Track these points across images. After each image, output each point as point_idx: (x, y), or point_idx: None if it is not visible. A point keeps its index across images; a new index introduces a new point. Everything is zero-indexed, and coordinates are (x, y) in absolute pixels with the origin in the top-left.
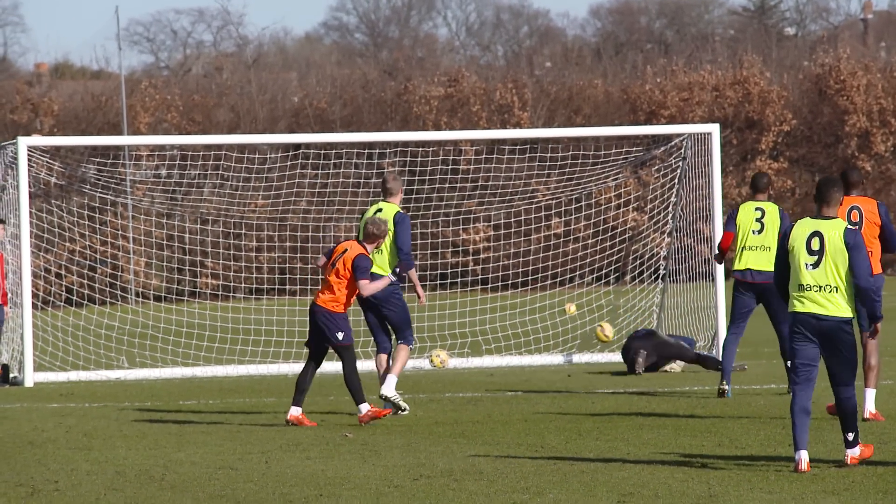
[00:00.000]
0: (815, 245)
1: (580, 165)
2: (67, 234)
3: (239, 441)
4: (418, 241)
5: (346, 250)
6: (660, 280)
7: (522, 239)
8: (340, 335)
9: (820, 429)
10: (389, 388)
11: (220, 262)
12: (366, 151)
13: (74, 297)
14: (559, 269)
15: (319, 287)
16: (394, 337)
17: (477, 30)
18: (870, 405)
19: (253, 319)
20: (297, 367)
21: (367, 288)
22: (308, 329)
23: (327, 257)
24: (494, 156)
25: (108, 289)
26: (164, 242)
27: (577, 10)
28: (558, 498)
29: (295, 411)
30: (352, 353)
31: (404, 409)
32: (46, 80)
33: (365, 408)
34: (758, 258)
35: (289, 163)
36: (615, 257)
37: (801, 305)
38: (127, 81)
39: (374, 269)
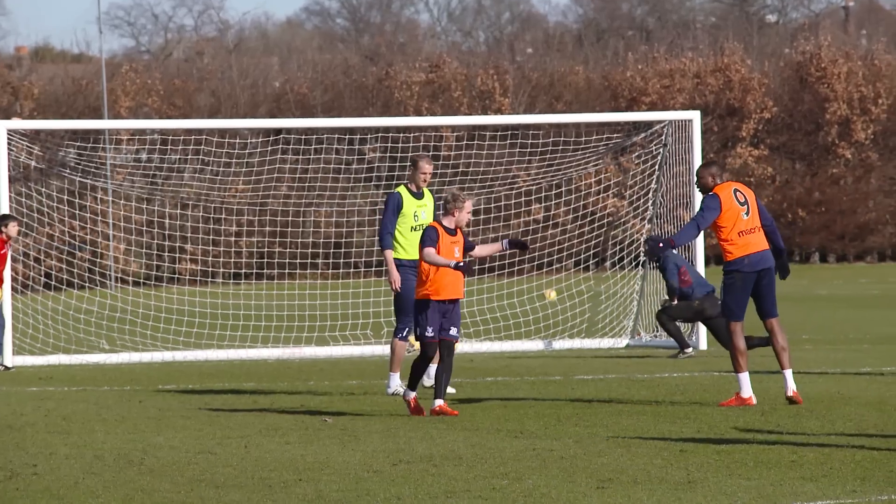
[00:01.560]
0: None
1: (561, 151)
2: (47, 219)
3: (218, 425)
4: None
5: None
6: (640, 266)
7: (502, 224)
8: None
9: (798, 415)
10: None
11: (200, 246)
12: (347, 137)
13: (53, 282)
14: (539, 255)
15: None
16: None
17: (458, 15)
18: (791, 384)
19: (232, 304)
20: (276, 352)
21: (425, 255)
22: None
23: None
24: (475, 142)
25: (87, 273)
26: (144, 227)
27: None
28: (537, 483)
29: (438, 402)
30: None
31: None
32: (27, 63)
33: (439, 402)
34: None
35: (269, 148)
36: (595, 243)
37: None
38: (108, 65)
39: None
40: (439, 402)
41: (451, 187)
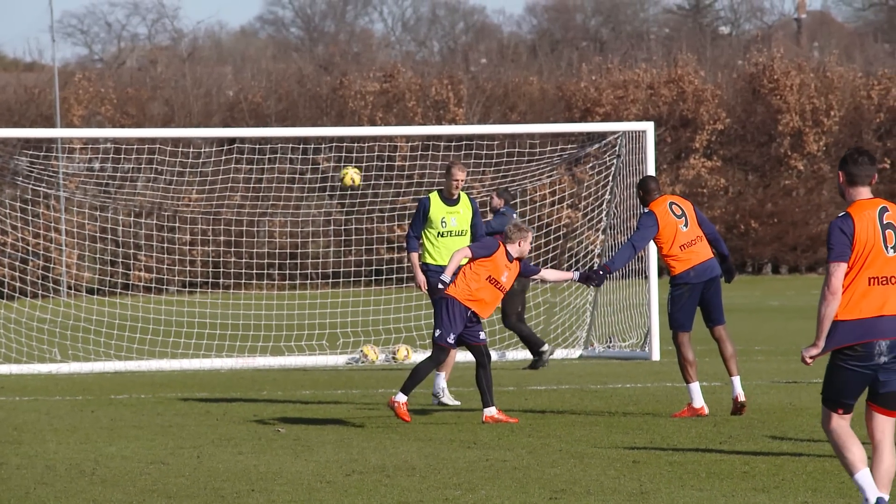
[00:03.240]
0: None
1: (515, 162)
2: None
3: (171, 436)
4: (352, 237)
5: None
6: None
7: None
8: (437, 332)
9: (750, 426)
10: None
11: (154, 255)
12: (301, 146)
13: (6, 290)
14: None
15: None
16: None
17: (413, 25)
18: (739, 390)
19: (186, 313)
20: (229, 362)
21: (459, 249)
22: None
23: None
24: (430, 152)
25: (39, 281)
26: (98, 235)
27: (513, 6)
28: (490, 494)
29: (489, 411)
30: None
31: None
32: None
33: (491, 411)
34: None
35: (223, 157)
36: (550, 255)
37: None
38: (60, 73)
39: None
40: (493, 411)
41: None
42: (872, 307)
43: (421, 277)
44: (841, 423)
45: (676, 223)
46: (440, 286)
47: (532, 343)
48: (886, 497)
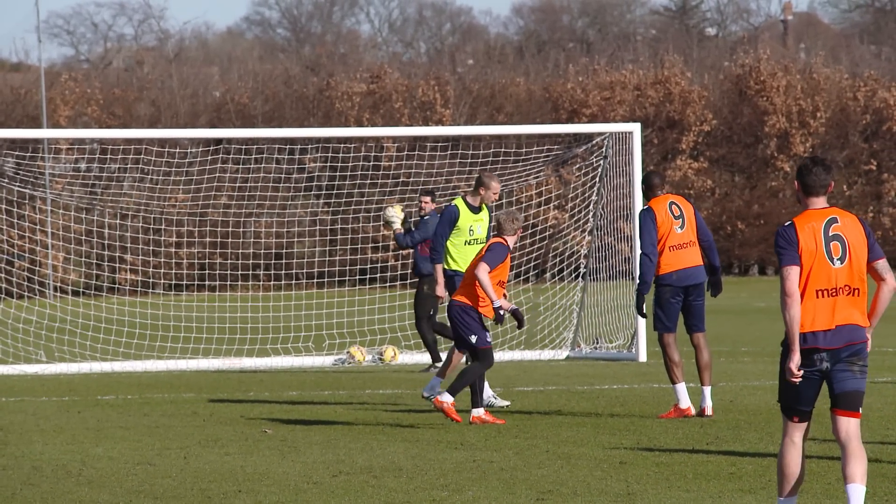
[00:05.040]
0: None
1: (502, 163)
2: None
3: (157, 436)
4: (338, 237)
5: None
6: (580, 278)
7: None
8: (474, 337)
9: (737, 427)
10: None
11: (140, 256)
12: (287, 147)
13: None
14: None
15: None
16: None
17: (399, 26)
18: (708, 402)
19: (172, 315)
20: (216, 363)
21: (483, 278)
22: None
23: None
24: (416, 153)
25: (25, 283)
26: (84, 237)
27: (499, 7)
28: (477, 495)
29: (476, 412)
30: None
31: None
32: None
33: (478, 411)
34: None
35: (210, 157)
36: (536, 255)
37: None
38: (46, 74)
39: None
40: (481, 412)
41: (502, 211)
42: (820, 321)
43: (443, 290)
44: (794, 448)
45: (672, 223)
46: (501, 313)
47: (432, 352)
48: (862, 489)
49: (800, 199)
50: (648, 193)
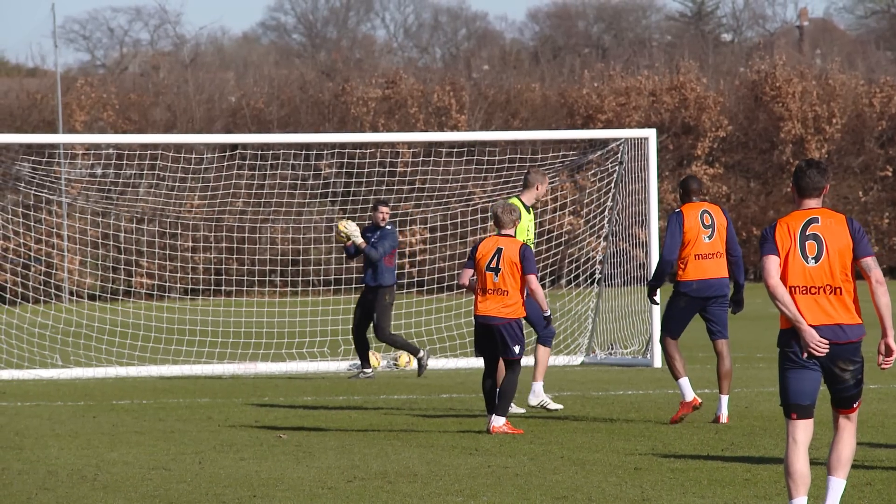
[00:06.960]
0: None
1: (517, 168)
2: (1, 232)
3: (172, 441)
4: None
5: (501, 248)
6: (595, 284)
7: (459, 241)
8: (517, 348)
9: (752, 433)
10: (534, 397)
11: (156, 261)
12: (303, 152)
13: (8, 296)
14: None
15: (480, 296)
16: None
17: (415, 32)
18: (724, 411)
19: (188, 320)
20: (231, 368)
21: (536, 287)
22: (477, 340)
23: (473, 266)
24: (432, 158)
25: (41, 287)
26: (100, 241)
27: (515, 13)
28: (492, 501)
29: (496, 421)
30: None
31: (556, 408)
32: None
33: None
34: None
35: (225, 163)
36: (551, 261)
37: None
38: (63, 79)
39: None
40: (502, 421)
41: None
42: (804, 317)
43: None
44: (796, 448)
45: (701, 231)
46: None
47: (411, 349)
48: (842, 482)
49: (794, 200)
50: (684, 197)
